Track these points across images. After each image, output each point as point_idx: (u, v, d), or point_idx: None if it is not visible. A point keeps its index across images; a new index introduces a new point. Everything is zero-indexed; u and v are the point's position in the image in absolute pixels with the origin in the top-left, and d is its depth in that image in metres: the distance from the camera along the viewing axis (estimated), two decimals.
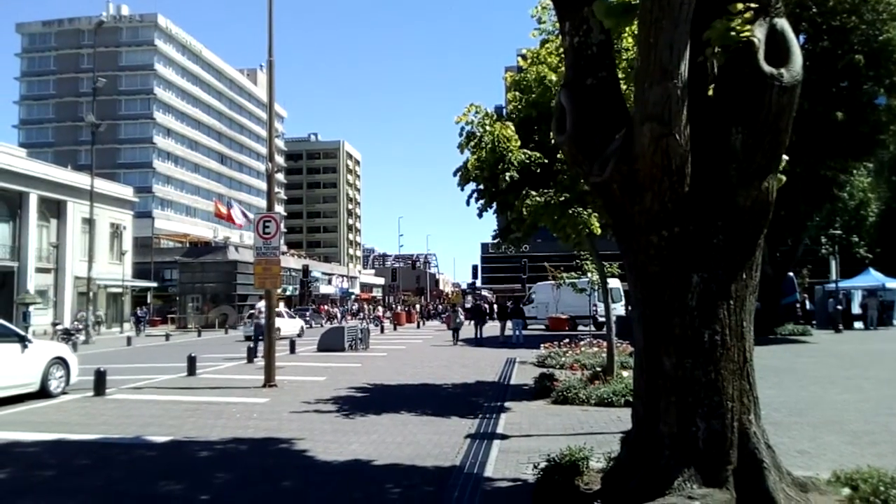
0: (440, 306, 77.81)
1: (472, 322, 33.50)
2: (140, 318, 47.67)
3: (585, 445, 6.74)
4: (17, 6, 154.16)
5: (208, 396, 13.73)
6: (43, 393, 13.67)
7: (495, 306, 47.62)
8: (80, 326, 36.46)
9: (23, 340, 13.73)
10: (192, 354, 18.08)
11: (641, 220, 5.16)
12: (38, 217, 46.27)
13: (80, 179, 47.42)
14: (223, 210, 50.92)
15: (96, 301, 45.38)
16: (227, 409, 12.14)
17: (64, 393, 14.10)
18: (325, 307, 67.51)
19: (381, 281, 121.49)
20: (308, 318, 51.59)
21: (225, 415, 11.50)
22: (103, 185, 49.65)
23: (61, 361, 14.34)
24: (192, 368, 17.39)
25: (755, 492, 4.89)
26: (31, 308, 40.61)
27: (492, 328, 34.46)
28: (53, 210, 47.70)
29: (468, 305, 46.10)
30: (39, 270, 46.35)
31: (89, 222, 42.14)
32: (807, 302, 40.95)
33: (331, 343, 25.07)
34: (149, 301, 60.01)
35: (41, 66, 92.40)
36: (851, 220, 40.65)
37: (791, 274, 34.75)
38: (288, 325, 35.47)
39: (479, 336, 30.76)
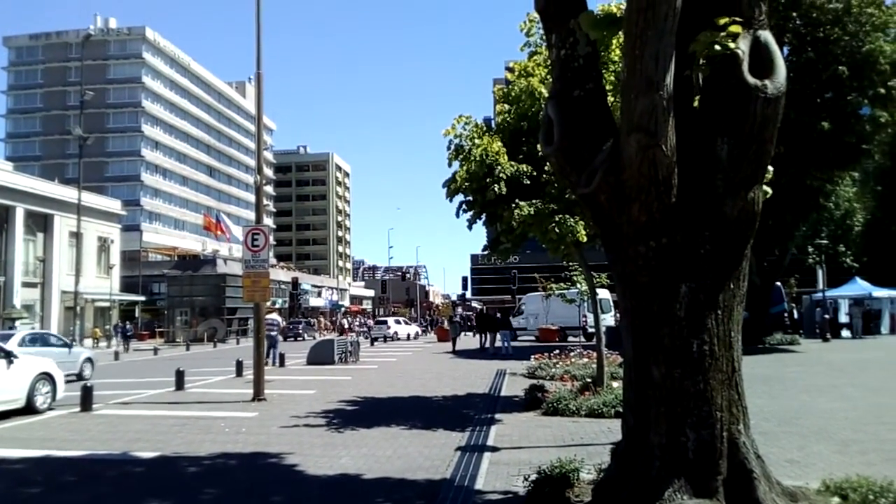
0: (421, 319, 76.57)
1: (480, 332, 33.39)
2: (125, 332, 46.93)
3: (576, 457, 6.72)
4: (4, 19, 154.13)
5: (197, 411, 13.61)
6: (29, 409, 13.50)
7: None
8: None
9: (8, 356, 13.59)
10: (181, 369, 17.94)
11: (629, 230, 5.18)
12: (25, 231, 45.95)
13: (68, 193, 47.19)
14: (211, 224, 50.79)
15: (83, 315, 45.01)
16: (216, 423, 12.04)
17: (50, 409, 13.95)
18: (327, 322, 65.98)
19: (370, 293, 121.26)
20: (301, 332, 51.70)
21: (213, 429, 11.41)
22: (91, 199, 49.40)
23: (47, 377, 14.21)
24: (180, 383, 17.25)
25: (745, 502, 4.89)
26: (17, 323, 40.27)
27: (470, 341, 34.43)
28: (40, 224, 47.38)
29: (457, 319, 46.60)
30: (26, 285, 45.97)
31: (76, 236, 41.90)
32: (794, 311, 41.17)
33: (320, 356, 24.94)
34: (137, 315, 59.62)
35: (28, 80, 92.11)
36: (838, 229, 40.97)
37: (778, 283, 34.96)
38: (403, 329, 47.74)
39: (484, 346, 30.53)
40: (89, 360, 21.86)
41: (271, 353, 23.50)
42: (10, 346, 18.59)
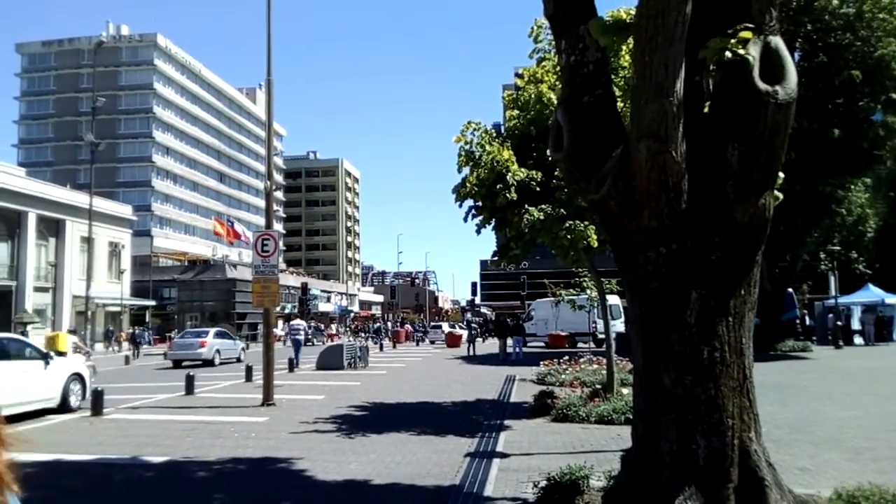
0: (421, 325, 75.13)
1: (497, 337, 33.10)
2: (135, 338, 46.01)
3: (586, 464, 6.70)
4: (18, 27, 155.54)
5: (206, 416, 13.66)
6: (63, 407, 14.16)
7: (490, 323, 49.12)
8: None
9: (45, 358, 14.22)
10: (190, 373, 18.00)
11: (639, 236, 5.16)
12: (37, 236, 46.26)
13: (79, 198, 47.50)
14: (221, 229, 51.06)
15: (94, 320, 45.24)
16: (225, 428, 12.06)
17: (80, 408, 14.45)
18: (331, 331, 65.68)
19: (379, 298, 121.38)
20: (310, 337, 51.84)
21: (223, 434, 11.43)
22: (102, 204, 49.73)
23: (78, 377, 15.00)
24: (189, 387, 17.29)
25: None
26: (29, 327, 40.46)
27: (491, 345, 34.40)
28: (52, 229, 47.70)
29: (474, 323, 47.20)
30: (38, 289, 46.26)
31: (88, 241, 42.17)
32: (806, 318, 40.89)
33: (330, 361, 24.98)
34: (147, 319, 59.86)
35: (41, 86, 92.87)
36: (850, 235, 40.61)
37: (790, 290, 34.74)
38: (457, 332, 47.78)
39: (503, 353, 29.97)
40: (244, 348, 32.51)
41: (297, 355, 26.96)
42: (210, 338, 30.27)
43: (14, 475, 1.84)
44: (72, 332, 34.76)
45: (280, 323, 58.62)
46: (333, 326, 70.03)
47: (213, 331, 31.90)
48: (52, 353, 15.16)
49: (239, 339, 35.24)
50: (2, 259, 44.28)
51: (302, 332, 29.46)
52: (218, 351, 29.73)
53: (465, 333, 43.48)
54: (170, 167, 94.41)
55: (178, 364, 28.62)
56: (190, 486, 8.10)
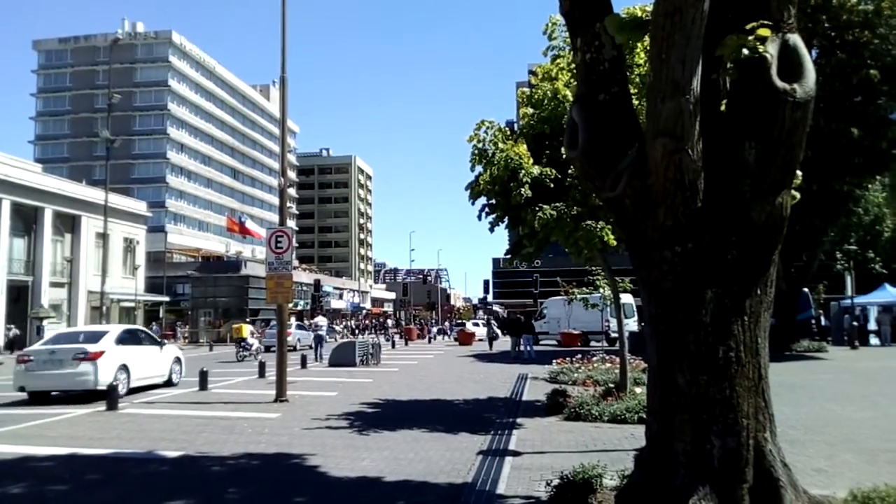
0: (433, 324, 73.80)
1: (509, 335, 32.69)
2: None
3: (599, 463, 6.67)
4: (34, 24, 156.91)
5: (220, 411, 13.74)
6: (168, 383, 18.09)
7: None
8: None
9: (160, 343, 18.64)
10: (204, 369, 18.11)
11: (654, 235, 5.13)
12: (53, 232, 46.67)
13: (95, 194, 47.91)
14: (234, 227, 51.28)
15: (109, 315, 45.61)
16: (239, 424, 12.13)
17: (177, 384, 18.31)
18: (341, 327, 65.44)
19: (392, 296, 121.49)
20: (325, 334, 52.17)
21: (237, 430, 11.50)
22: (117, 200, 50.10)
23: (178, 360, 18.93)
24: (203, 383, 17.41)
25: None
26: (44, 322, 40.86)
27: (503, 343, 34.41)
28: (68, 225, 48.11)
29: (494, 320, 47.39)
30: (53, 285, 46.68)
31: (103, 237, 42.45)
32: (822, 318, 40.55)
33: (342, 358, 25.06)
34: (161, 315, 60.16)
35: (57, 83, 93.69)
36: (866, 235, 40.24)
37: (806, 290, 34.45)
38: (481, 330, 49.18)
39: (516, 351, 29.50)
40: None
41: (318, 350, 29.45)
42: (293, 329, 35.67)
43: None
44: (249, 322, 41.23)
45: (293, 319, 58.77)
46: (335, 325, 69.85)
47: (295, 323, 39.92)
48: (164, 341, 20.18)
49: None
50: (18, 254, 44.72)
51: (324, 328, 32.75)
52: (299, 339, 37.07)
53: (484, 330, 43.56)
54: (184, 164, 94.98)
55: (267, 349, 33.06)
56: (204, 480, 8.16)
